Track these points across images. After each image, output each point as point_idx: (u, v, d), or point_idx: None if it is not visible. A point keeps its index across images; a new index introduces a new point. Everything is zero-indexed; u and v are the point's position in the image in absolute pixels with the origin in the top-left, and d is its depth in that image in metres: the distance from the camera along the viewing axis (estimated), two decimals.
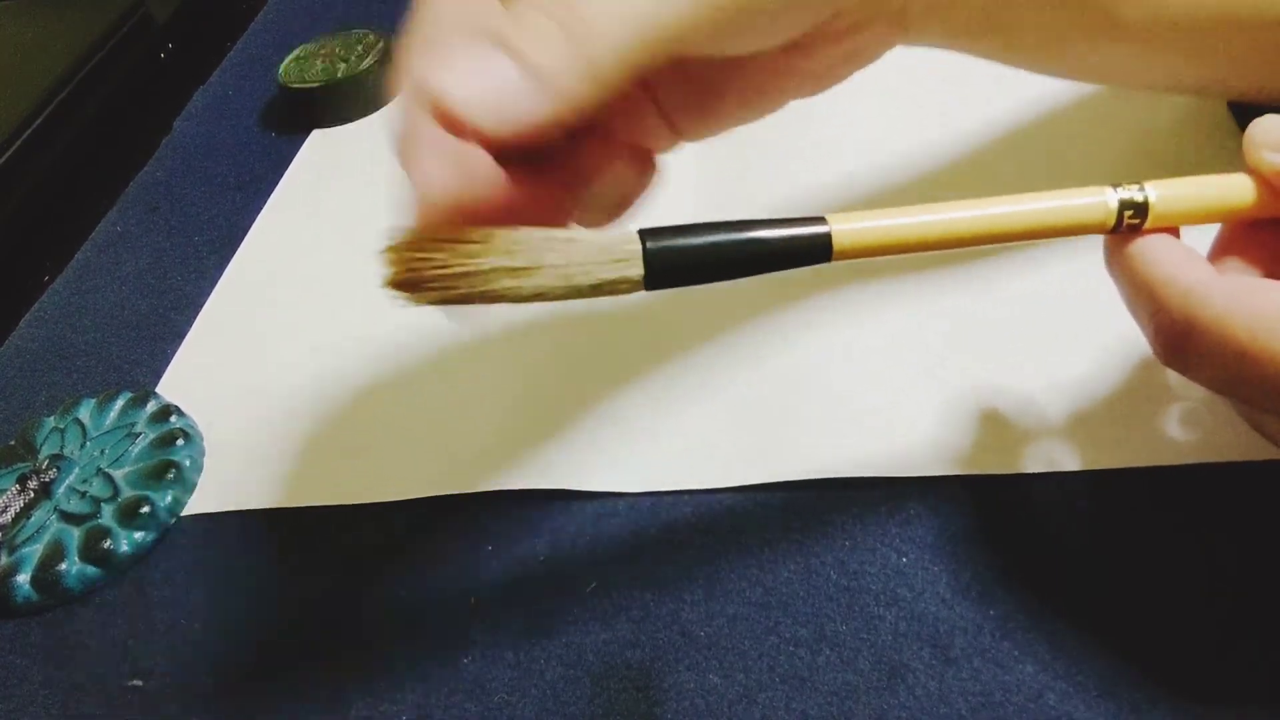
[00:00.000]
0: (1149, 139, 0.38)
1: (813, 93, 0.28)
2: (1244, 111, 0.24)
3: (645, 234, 0.21)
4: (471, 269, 0.20)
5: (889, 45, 0.27)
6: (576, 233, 0.21)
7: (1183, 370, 0.23)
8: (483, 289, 0.20)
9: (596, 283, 0.21)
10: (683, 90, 0.27)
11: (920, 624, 0.27)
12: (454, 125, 0.20)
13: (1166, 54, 0.28)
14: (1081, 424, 0.30)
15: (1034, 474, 0.29)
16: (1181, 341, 0.22)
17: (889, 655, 0.27)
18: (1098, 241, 0.24)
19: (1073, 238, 0.23)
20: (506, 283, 0.20)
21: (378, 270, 0.20)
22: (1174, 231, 0.23)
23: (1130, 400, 0.30)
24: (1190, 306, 0.21)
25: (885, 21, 0.26)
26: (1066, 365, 0.31)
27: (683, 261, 0.21)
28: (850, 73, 0.27)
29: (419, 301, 0.20)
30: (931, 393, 0.32)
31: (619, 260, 0.21)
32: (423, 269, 0.20)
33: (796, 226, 0.22)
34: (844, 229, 0.22)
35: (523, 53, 0.20)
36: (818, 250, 0.22)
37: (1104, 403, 0.30)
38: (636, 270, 0.21)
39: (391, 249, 0.20)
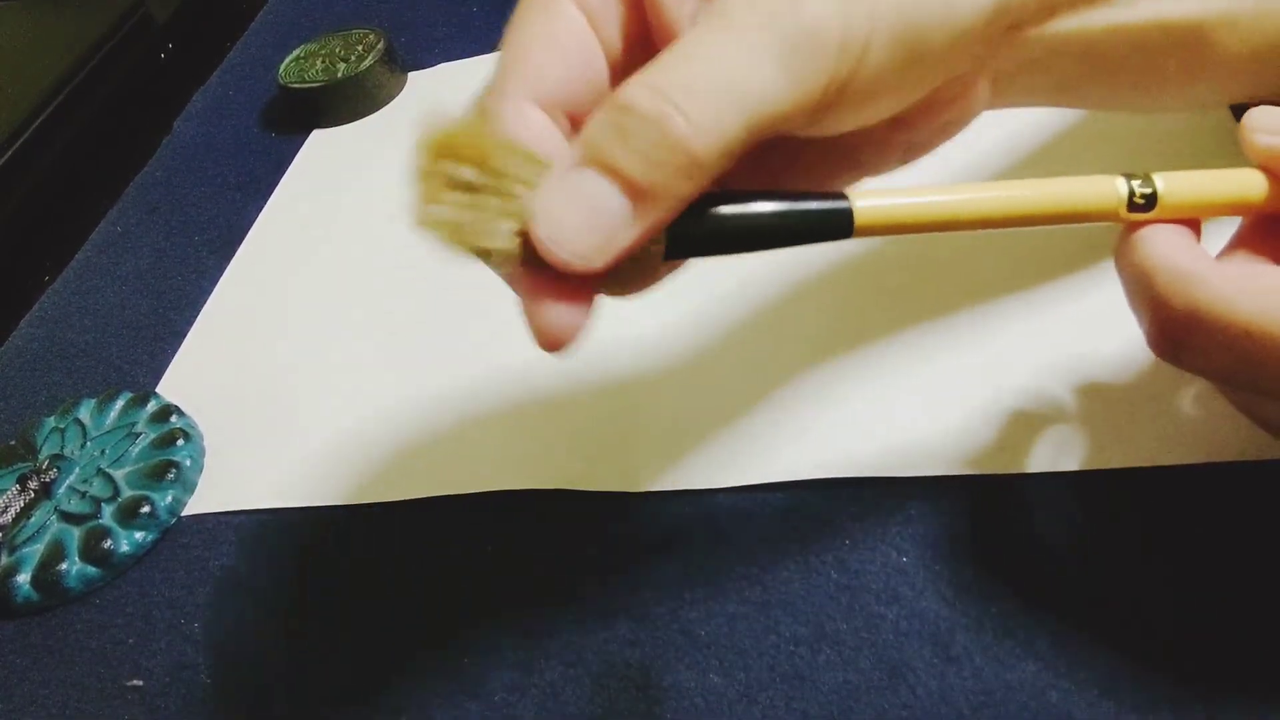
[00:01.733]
0: (1149, 139, 0.38)
1: (900, 165, 0.26)
2: (1241, 106, 0.24)
3: None
4: (495, 235, 0.19)
5: (983, 109, 0.25)
6: None
7: (1179, 362, 0.22)
8: (500, 257, 0.20)
9: None
10: (750, 169, 0.25)
11: (921, 623, 0.27)
12: (563, 270, 0.19)
13: (1264, 75, 0.27)
14: (1081, 424, 0.30)
15: (1034, 474, 0.29)
16: (1181, 330, 0.21)
17: (890, 654, 0.27)
18: (1097, 242, 0.24)
19: (1074, 239, 0.23)
20: (525, 252, 0.20)
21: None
22: (1193, 224, 0.23)
23: (1130, 400, 0.30)
24: (1191, 292, 0.21)
25: (986, 84, 0.25)
26: (1067, 365, 0.31)
27: (703, 230, 0.21)
28: (943, 143, 0.25)
29: (446, 236, 0.19)
30: (931, 393, 0.32)
31: None
32: (451, 217, 0.19)
33: (819, 200, 0.22)
34: (866, 205, 0.22)
35: (633, 180, 0.19)
36: (839, 225, 0.22)
37: (1104, 403, 0.30)
38: (658, 238, 0.20)
39: (438, 138, 0.19)
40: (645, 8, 0.23)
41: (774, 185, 0.25)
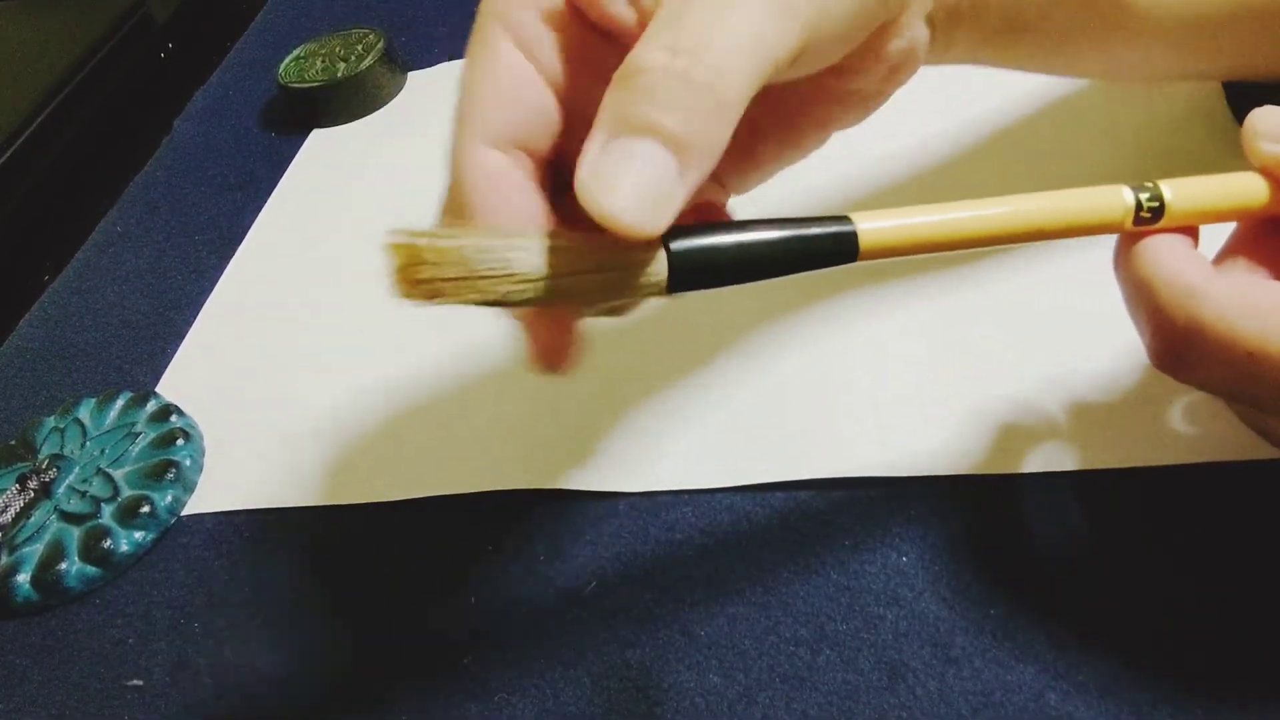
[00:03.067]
0: (1144, 134, 0.38)
1: (853, 122, 0.27)
2: (1243, 107, 0.24)
3: (667, 235, 0.20)
4: (490, 273, 0.19)
5: (920, 59, 0.27)
6: (591, 236, 0.20)
7: (1179, 375, 0.22)
8: (502, 294, 0.19)
9: (615, 285, 0.20)
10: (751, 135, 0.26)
11: (921, 624, 0.27)
12: (627, 236, 0.19)
13: (1187, 46, 0.28)
14: (1081, 424, 0.30)
15: (1034, 474, 0.29)
16: (1182, 345, 0.22)
17: (889, 655, 0.27)
18: (1097, 242, 0.24)
19: (1077, 241, 0.23)
20: (526, 288, 0.20)
21: (383, 268, 0.19)
22: (1190, 231, 0.23)
23: (1130, 400, 0.30)
24: (1193, 308, 0.21)
25: (924, 29, 0.26)
26: (1067, 365, 0.31)
27: (707, 263, 0.20)
28: (888, 94, 0.27)
29: (432, 303, 0.19)
30: (931, 393, 0.32)
31: (640, 262, 0.20)
32: (437, 272, 0.19)
33: (822, 225, 0.21)
34: (870, 228, 0.21)
35: (674, 134, 0.19)
36: (844, 250, 0.21)
37: (1104, 403, 0.30)
38: (660, 273, 0.20)
39: (402, 247, 0.19)
40: (585, 19, 0.23)
41: (734, 156, 0.25)
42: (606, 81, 0.20)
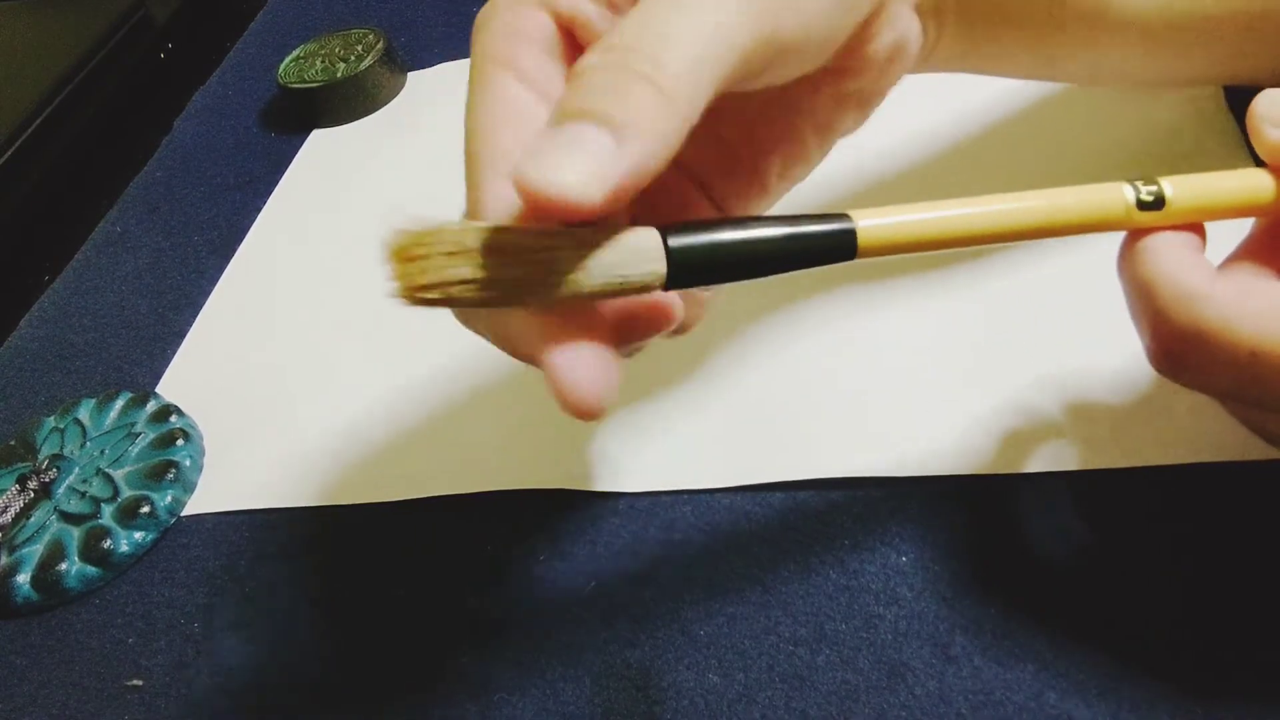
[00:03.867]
0: (1144, 132, 0.37)
1: (854, 125, 0.27)
2: (1243, 106, 0.24)
3: (665, 230, 0.20)
4: (488, 275, 0.19)
5: (912, 53, 0.27)
6: (586, 231, 0.20)
7: (1179, 378, 0.22)
8: (500, 294, 0.19)
9: (615, 282, 0.20)
10: (724, 157, 0.26)
11: (920, 623, 0.27)
12: (565, 212, 0.19)
13: (1160, 47, 0.29)
14: (1081, 424, 0.30)
15: (1034, 474, 0.29)
16: (1183, 348, 0.21)
17: (889, 654, 0.27)
18: (1100, 240, 0.24)
19: (1075, 238, 0.23)
20: (524, 288, 0.19)
21: (382, 270, 0.19)
22: (1197, 229, 0.23)
23: (1130, 400, 0.30)
24: (1194, 311, 0.21)
25: (916, 22, 0.26)
26: (1067, 365, 0.31)
27: (705, 259, 0.20)
28: (884, 92, 0.27)
29: (431, 305, 0.19)
30: (932, 393, 0.32)
31: (637, 258, 0.20)
32: (436, 276, 0.19)
33: (821, 223, 0.21)
34: (869, 225, 0.21)
35: (609, 115, 0.19)
36: (843, 247, 0.21)
37: (1104, 403, 0.30)
38: (658, 268, 0.20)
39: (400, 250, 0.19)
40: (581, 48, 0.23)
41: (734, 176, 0.26)
42: None
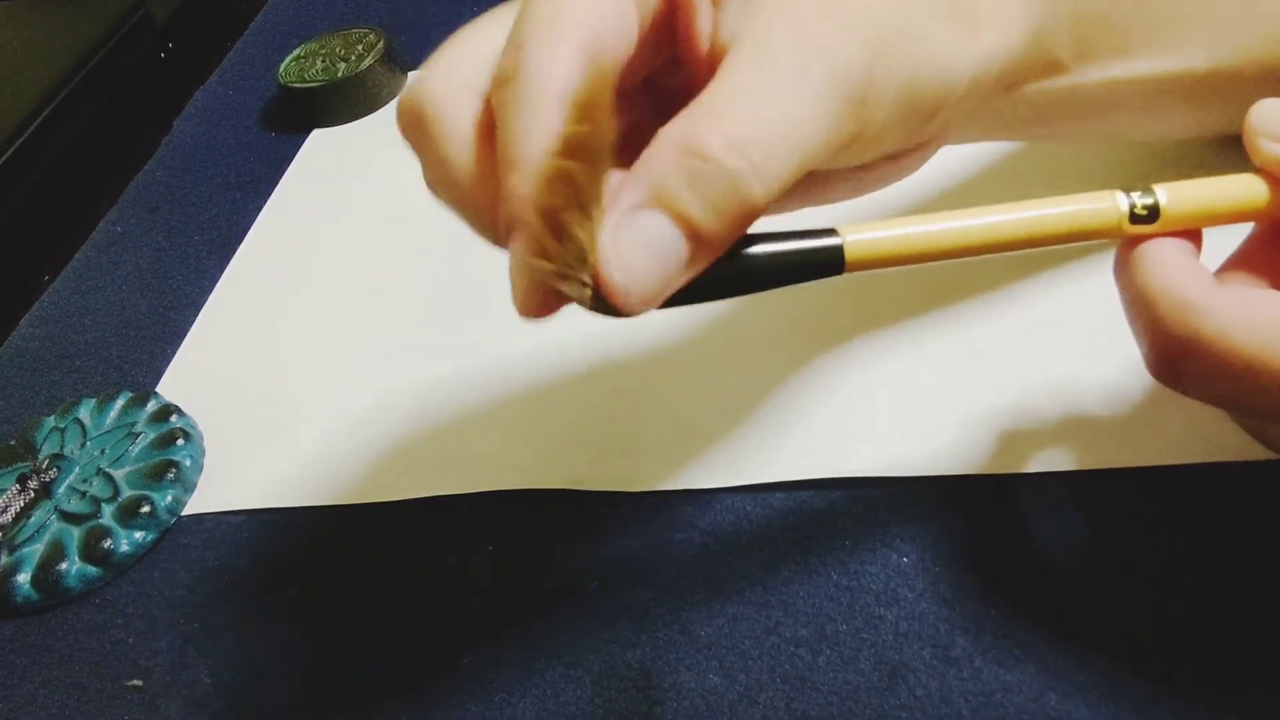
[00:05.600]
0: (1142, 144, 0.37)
1: (873, 189, 0.27)
2: None
3: None
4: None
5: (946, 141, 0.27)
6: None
7: (1177, 386, 0.22)
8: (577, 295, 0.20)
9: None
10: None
11: (921, 624, 0.27)
12: (622, 312, 0.20)
13: (1142, 116, 0.28)
14: (1081, 424, 0.30)
15: (1034, 474, 0.29)
16: (1180, 358, 0.21)
17: (890, 655, 0.27)
18: (1097, 242, 0.24)
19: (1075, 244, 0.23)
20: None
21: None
22: (1193, 236, 0.23)
23: (1130, 400, 0.30)
24: (1192, 321, 0.21)
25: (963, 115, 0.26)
26: (1066, 366, 0.31)
27: (693, 280, 0.20)
28: (925, 161, 0.27)
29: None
30: (932, 393, 0.32)
31: None
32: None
33: (807, 239, 0.21)
34: (856, 240, 0.21)
35: (692, 221, 0.19)
36: (831, 263, 0.21)
37: (1104, 403, 0.30)
38: None
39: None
40: None
41: (785, 201, 0.25)
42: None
